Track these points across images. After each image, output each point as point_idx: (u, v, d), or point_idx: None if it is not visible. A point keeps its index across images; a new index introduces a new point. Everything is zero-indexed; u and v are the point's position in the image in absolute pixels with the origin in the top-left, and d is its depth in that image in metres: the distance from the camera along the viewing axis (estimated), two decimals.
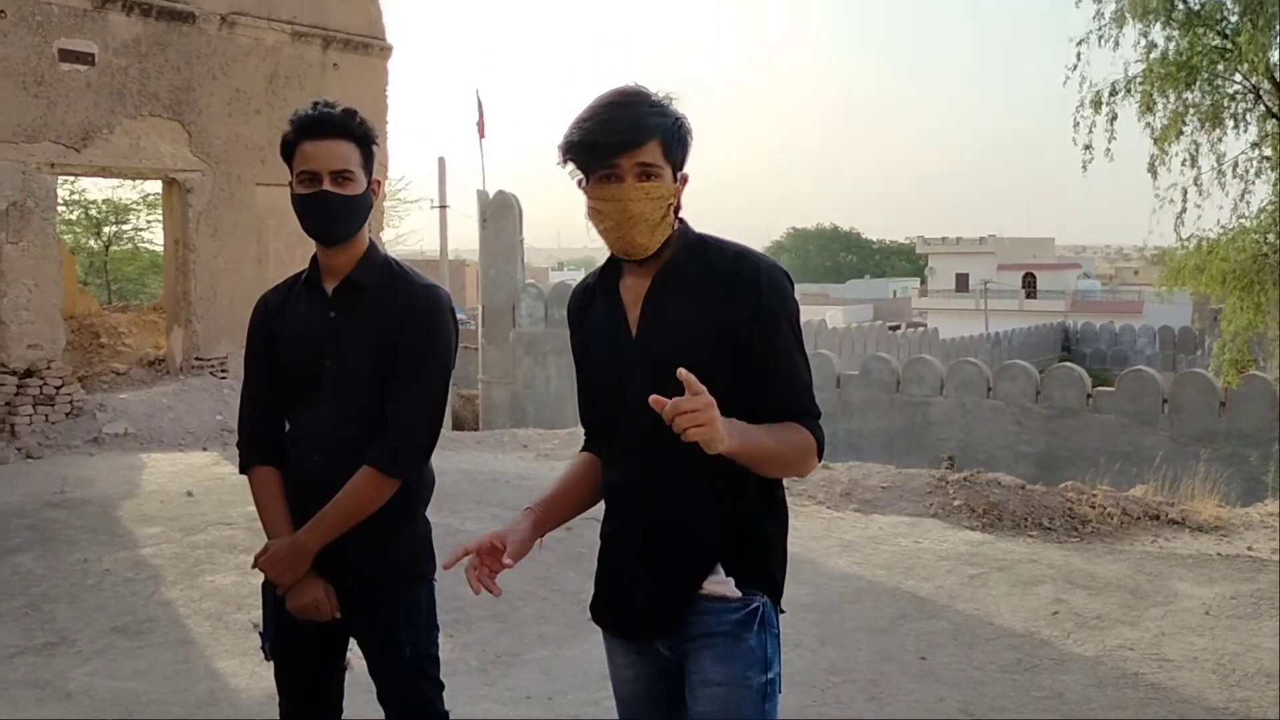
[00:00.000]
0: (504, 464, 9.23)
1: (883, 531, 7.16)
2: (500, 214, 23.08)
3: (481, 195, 22.33)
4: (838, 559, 6.49)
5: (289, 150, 2.50)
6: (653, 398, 1.82)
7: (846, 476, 8.65)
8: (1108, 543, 7.14)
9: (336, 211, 2.48)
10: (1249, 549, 7.00)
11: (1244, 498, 10.08)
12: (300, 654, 2.61)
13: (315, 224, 2.50)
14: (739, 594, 2.09)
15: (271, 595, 2.59)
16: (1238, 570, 6.37)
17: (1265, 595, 5.78)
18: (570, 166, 2.07)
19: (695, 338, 2.07)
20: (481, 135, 16.85)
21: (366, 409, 2.50)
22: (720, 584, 2.09)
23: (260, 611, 2.68)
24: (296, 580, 2.50)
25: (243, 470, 2.65)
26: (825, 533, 7.09)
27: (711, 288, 2.09)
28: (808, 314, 46.68)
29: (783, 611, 2.19)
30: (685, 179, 2.11)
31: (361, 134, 2.50)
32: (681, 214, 2.14)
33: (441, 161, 18.22)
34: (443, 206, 18.56)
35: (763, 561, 2.15)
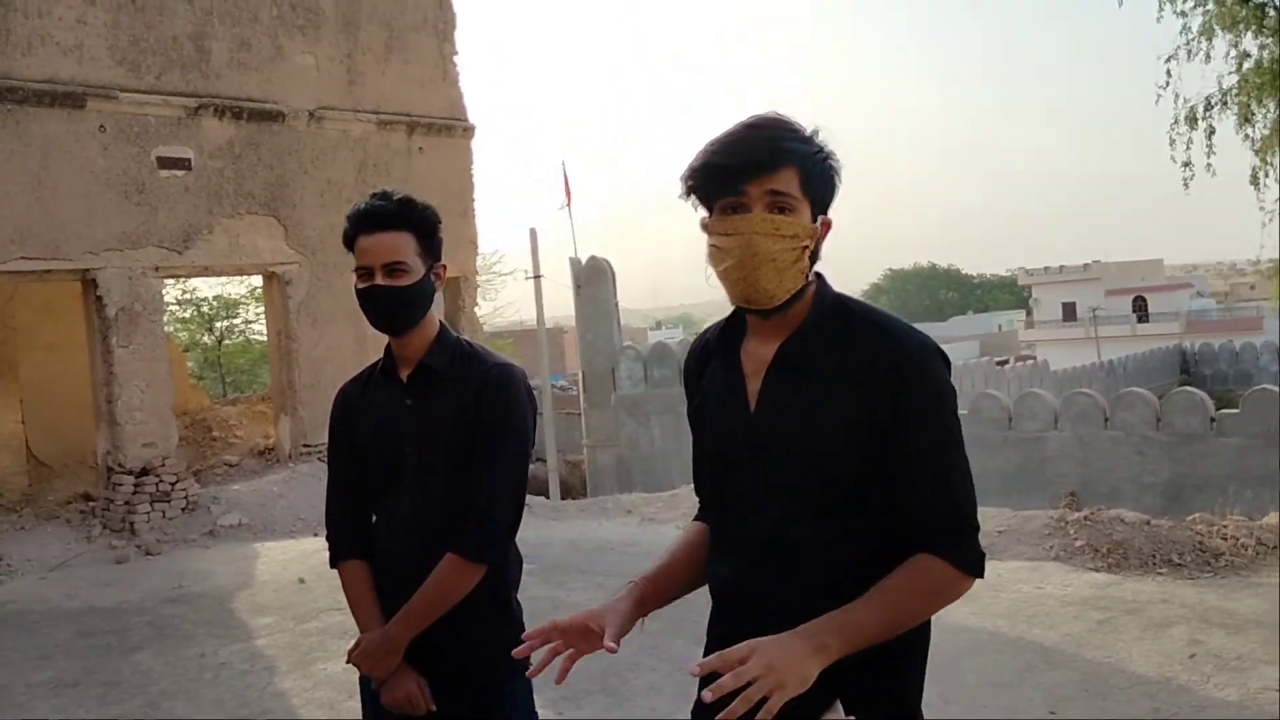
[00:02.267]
0: (609, 531, 9.18)
1: (1001, 579, 6.90)
2: (594, 279, 23.30)
3: (574, 262, 22.60)
4: (956, 610, 6.24)
5: (349, 245, 2.52)
6: (705, 692, 1.52)
7: None
8: (1243, 576, 6.76)
9: (390, 304, 2.47)
10: None
11: None
12: None
13: (374, 317, 2.51)
14: None
15: (368, 690, 2.57)
16: None
17: None
18: (692, 199, 1.80)
19: (824, 424, 1.75)
20: (568, 203, 17.05)
21: (446, 495, 2.47)
22: None
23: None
24: (389, 673, 2.46)
25: (333, 564, 2.64)
26: None
27: (848, 364, 1.77)
28: None
29: None
30: (828, 225, 1.80)
31: (419, 221, 2.49)
32: (819, 268, 1.84)
33: (533, 233, 18.47)
34: (537, 276, 18.79)
35: (897, 694, 1.79)
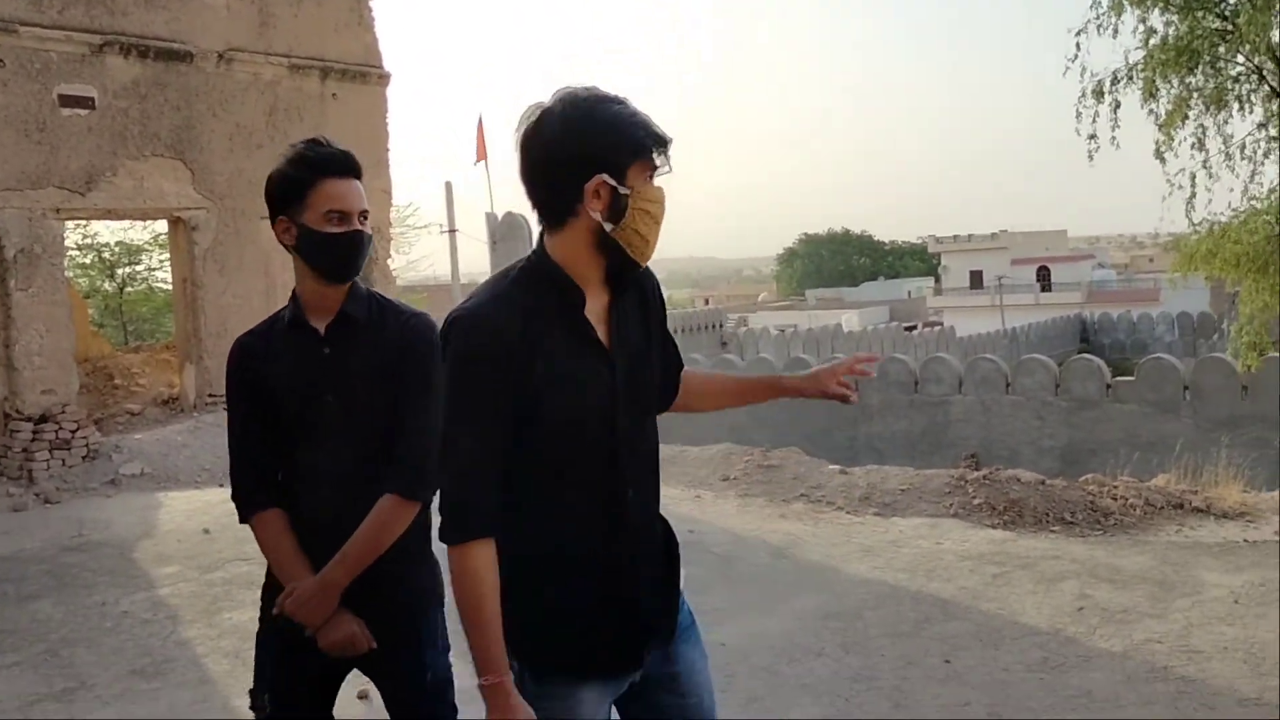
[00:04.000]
0: None
1: (903, 534, 7.09)
2: (510, 235, 23.04)
3: (490, 218, 22.31)
4: (858, 564, 6.42)
5: (301, 187, 2.47)
6: None
7: (865, 480, 8.57)
8: (1131, 534, 7.05)
9: (361, 250, 2.51)
10: (1276, 534, 6.89)
11: (1269, 482, 9.94)
12: (302, 702, 2.57)
13: (345, 263, 2.51)
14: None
15: (274, 645, 2.55)
16: (1265, 556, 6.26)
17: None
18: (640, 160, 1.94)
19: (649, 347, 2.12)
20: (480, 158, 16.75)
21: (372, 441, 2.49)
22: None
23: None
24: (325, 619, 2.46)
25: (246, 517, 2.59)
26: (845, 538, 7.02)
27: (644, 295, 2.14)
28: (823, 318, 46.56)
29: None
30: None
31: (361, 172, 2.55)
32: None
33: (449, 186, 18.15)
34: (452, 231, 18.48)
35: None
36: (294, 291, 2.58)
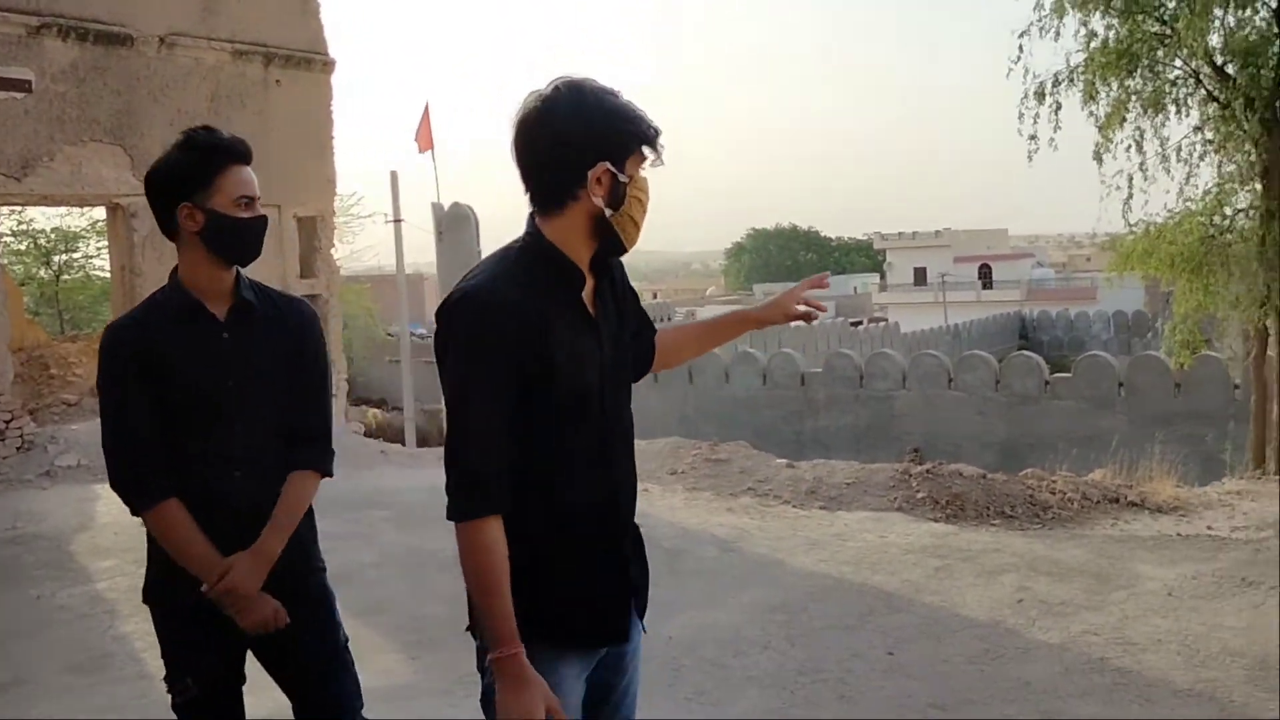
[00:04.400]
0: None
1: (848, 528, 7.16)
2: (456, 226, 22.89)
3: (436, 208, 22.13)
4: (804, 557, 6.48)
5: (208, 173, 2.49)
6: None
7: (811, 474, 8.64)
8: (1069, 528, 7.18)
9: (262, 235, 2.60)
10: (1208, 528, 7.06)
11: (1201, 477, 10.18)
12: (221, 682, 2.61)
13: (249, 247, 2.58)
14: None
15: (183, 630, 2.56)
16: (1198, 550, 6.41)
17: (1226, 574, 5.82)
18: (632, 156, 2.03)
19: (622, 328, 2.20)
20: (424, 148, 16.55)
21: (275, 421, 2.60)
22: None
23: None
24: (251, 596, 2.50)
25: (143, 508, 2.52)
26: (791, 532, 7.08)
27: (612, 278, 2.18)
28: None
29: None
30: None
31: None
32: None
33: (394, 175, 17.95)
34: (397, 221, 18.30)
35: None
36: (177, 279, 2.61)
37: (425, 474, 9.27)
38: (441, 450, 2.30)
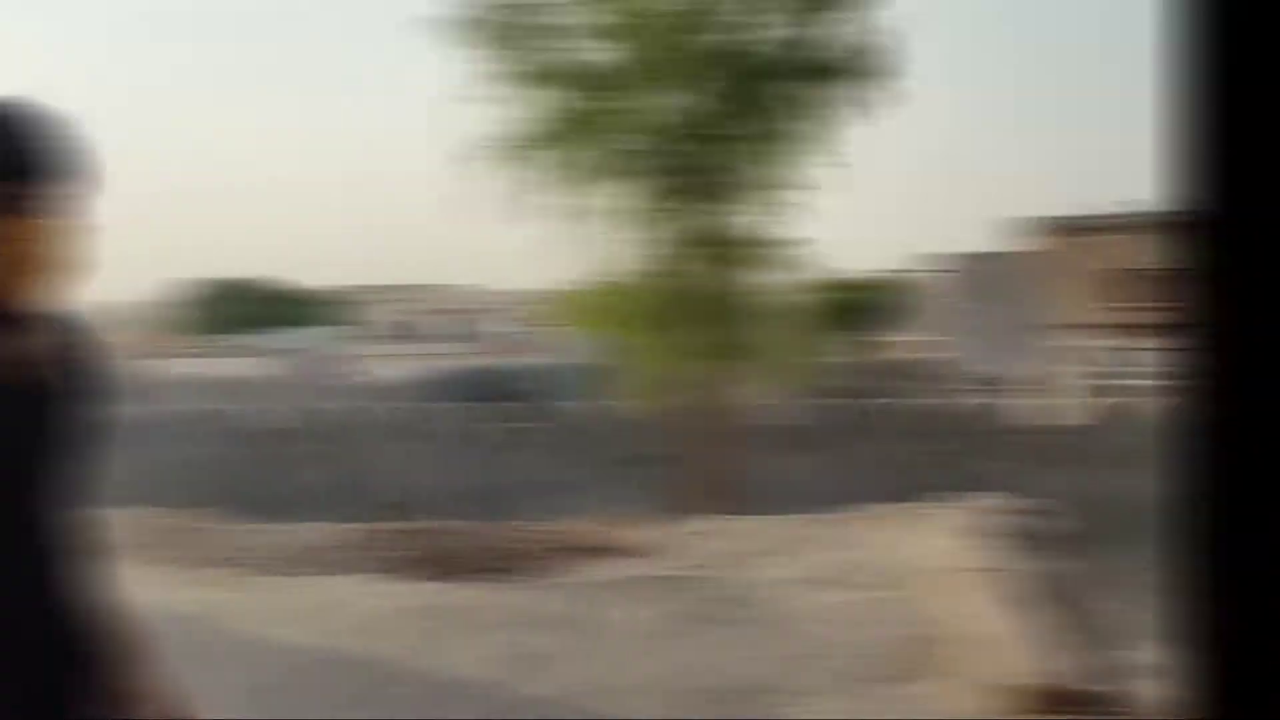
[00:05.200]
0: None
1: (334, 595, 6.85)
2: None
3: None
4: (279, 630, 6.07)
5: None
6: None
7: (287, 538, 8.21)
8: (548, 577, 7.41)
9: None
10: (670, 568, 7.63)
11: (662, 518, 11.04)
12: None
13: None
14: None
15: None
16: (664, 590, 6.89)
17: (690, 612, 6.30)
18: None
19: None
20: None
21: None
22: None
23: None
24: None
25: None
26: (260, 604, 6.61)
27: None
28: (228, 367, 44.57)
29: None
30: None
31: None
32: None
33: None
34: None
35: None
36: None
37: None
38: None
